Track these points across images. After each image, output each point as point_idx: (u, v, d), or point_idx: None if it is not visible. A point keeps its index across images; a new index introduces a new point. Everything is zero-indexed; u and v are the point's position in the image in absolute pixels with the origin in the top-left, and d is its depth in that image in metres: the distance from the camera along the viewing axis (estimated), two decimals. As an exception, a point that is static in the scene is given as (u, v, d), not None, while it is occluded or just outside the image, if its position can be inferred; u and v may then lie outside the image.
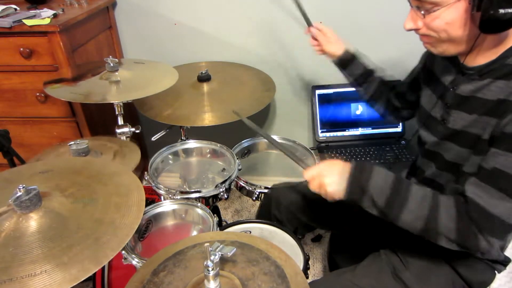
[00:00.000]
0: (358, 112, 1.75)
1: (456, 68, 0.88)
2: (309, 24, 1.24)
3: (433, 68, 0.98)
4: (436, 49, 0.82)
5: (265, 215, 1.28)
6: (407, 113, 1.20)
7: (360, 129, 1.75)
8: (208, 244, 0.70)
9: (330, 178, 0.85)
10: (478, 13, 0.69)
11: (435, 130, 0.93)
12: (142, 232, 1.13)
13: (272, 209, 1.22)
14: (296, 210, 1.19)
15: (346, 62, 1.19)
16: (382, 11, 1.61)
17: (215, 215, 1.14)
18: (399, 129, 1.74)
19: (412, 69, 1.13)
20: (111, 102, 1.22)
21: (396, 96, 1.17)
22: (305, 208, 1.18)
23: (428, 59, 1.01)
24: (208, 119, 1.39)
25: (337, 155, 1.64)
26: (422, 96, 1.01)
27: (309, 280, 0.85)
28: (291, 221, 1.20)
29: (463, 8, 0.72)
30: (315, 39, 1.21)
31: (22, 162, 1.28)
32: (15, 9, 1.48)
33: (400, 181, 0.82)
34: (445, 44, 0.80)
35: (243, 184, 1.34)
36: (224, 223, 1.56)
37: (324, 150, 1.68)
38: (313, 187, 0.89)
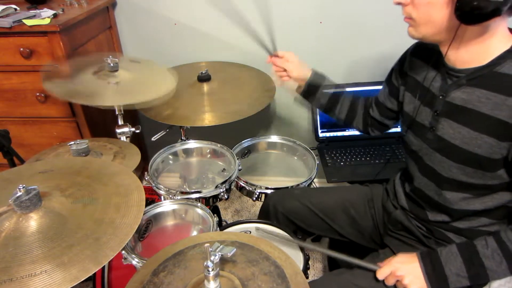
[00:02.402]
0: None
1: (442, 75, 0.87)
2: (270, 53, 1.18)
3: (413, 74, 0.97)
4: (417, 32, 0.83)
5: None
6: (391, 123, 1.18)
7: (360, 129, 1.74)
8: (208, 244, 0.70)
9: (409, 278, 0.87)
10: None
11: (424, 137, 0.93)
12: (142, 232, 1.13)
13: (271, 216, 1.23)
14: (293, 217, 1.20)
15: (318, 82, 1.17)
16: (382, 11, 1.61)
17: (215, 215, 1.14)
18: (399, 129, 1.73)
19: (387, 77, 1.10)
20: (109, 105, 1.21)
21: (377, 107, 1.15)
22: (302, 215, 1.19)
23: (407, 64, 1.00)
24: (208, 119, 1.39)
25: (337, 155, 1.64)
26: (405, 103, 1.00)
27: (309, 280, 0.85)
28: (289, 227, 1.20)
29: None
30: (280, 67, 1.17)
31: (22, 162, 1.28)
32: (15, 9, 1.48)
33: (465, 249, 0.85)
34: (426, 27, 0.80)
35: (243, 184, 1.34)
36: (224, 223, 1.56)
37: (324, 150, 1.69)
38: (390, 283, 0.90)
